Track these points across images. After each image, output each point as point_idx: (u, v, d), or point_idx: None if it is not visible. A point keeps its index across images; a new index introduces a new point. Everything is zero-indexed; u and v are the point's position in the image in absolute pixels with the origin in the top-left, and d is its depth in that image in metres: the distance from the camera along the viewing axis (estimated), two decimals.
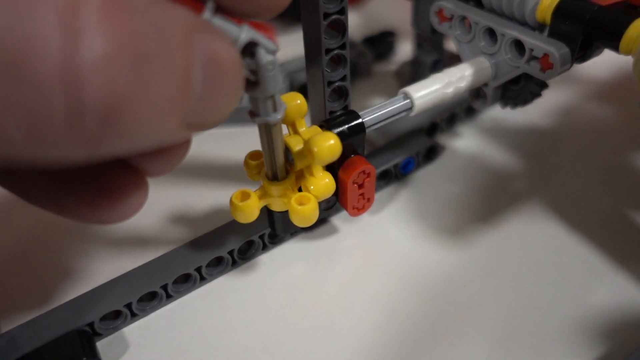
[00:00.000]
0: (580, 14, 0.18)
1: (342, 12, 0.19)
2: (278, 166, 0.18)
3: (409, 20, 0.28)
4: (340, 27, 0.19)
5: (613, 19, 0.18)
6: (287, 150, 0.18)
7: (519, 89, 0.23)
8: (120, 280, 0.20)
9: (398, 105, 0.20)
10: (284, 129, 0.18)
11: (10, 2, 0.09)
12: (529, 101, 0.23)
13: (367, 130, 0.19)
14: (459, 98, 0.27)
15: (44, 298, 0.21)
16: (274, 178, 0.18)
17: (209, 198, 0.25)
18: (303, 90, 0.21)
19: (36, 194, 0.14)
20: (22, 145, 0.09)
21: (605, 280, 0.20)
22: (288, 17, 0.37)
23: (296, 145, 0.18)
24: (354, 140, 0.19)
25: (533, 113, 0.29)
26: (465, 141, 0.28)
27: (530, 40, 0.19)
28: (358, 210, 0.20)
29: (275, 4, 0.13)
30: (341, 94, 0.21)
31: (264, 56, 0.13)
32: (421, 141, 0.26)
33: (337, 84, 0.20)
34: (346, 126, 0.19)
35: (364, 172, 0.19)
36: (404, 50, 0.35)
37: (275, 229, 0.20)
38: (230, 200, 0.18)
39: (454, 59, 0.27)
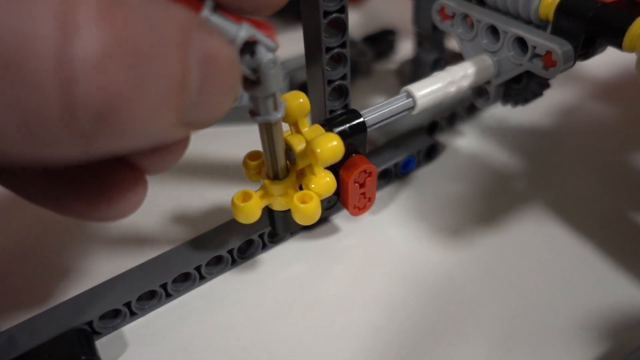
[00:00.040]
0: (583, 11, 0.18)
1: (342, 10, 0.19)
2: (279, 165, 0.18)
3: (410, 18, 0.28)
4: (340, 26, 0.19)
5: (616, 16, 0.18)
6: (288, 149, 0.18)
7: (521, 88, 0.23)
8: (120, 279, 0.20)
9: (400, 104, 0.20)
10: (284, 127, 0.18)
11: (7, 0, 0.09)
12: (530, 100, 0.23)
13: (368, 129, 0.19)
14: (460, 96, 0.27)
15: (43, 297, 0.21)
16: (275, 177, 0.18)
17: (208, 197, 0.25)
18: (303, 89, 0.21)
19: (35, 192, 0.14)
20: (17, 143, 0.09)
21: (605, 280, 0.20)
22: (288, 16, 0.37)
23: (298, 144, 0.18)
24: (355, 140, 0.19)
25: (534, 112, 0.29)
26: (465, 140, 0.28)
27: (533, 37, 0.19)
28: (359, 210, 0.20)
29: (274, 0, 0.13)
30: (341, 92, 0.21)
31: (264, 54, 0.13)
32: (422, 140, 0.26)
33: (337, 82, 0.20)
34: (347, 125, 0.19)
35: (365, 171, 0.19)
36: (405, 48, 0.35)
37: (276, 228, 0.20)
38: (232, 201, 0.18)
39: (454, 58, 0.27)
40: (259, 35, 0.13)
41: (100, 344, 0.19)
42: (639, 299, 0.20)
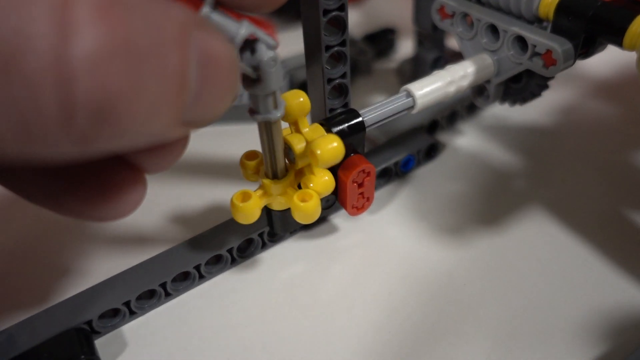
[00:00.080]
0: (584, 10, 0.18)
1: (342, 8, 0.19)
2: (278, 165, 0.18)
3: (410, 17, 0.27)
4: (340, 24, 0.19)
5: (616, 15, 0.17)
6: (288, 148, 0.18)
7: (520, 88, 0.23)
8: (119, 278, 0.20)
9: (399, 103, 0.20)
10: (283, 125, 0.17)
11: None
12: (528, 100, 0.23)
13: (368, 129, 0.19)
14: (460, 95, 0.27)
15: (42, 296, 0.21)
16: (274, 177, 0.18)
17: (208, 196, 0.25)
18: (303, 88, 0.21)
19: (34, 191, 0.14)
20: (15, 142, 0.09)
21: (605, 280, 0.20)
22: (287, 15, 0.37)
23: (298, 143, 0.18)
24: (354, 139, 0.19)
25: (534, 111, 0.29)
26: (466, 139, 0.28)
27: (533, 36, 0.19)
28: (357, 210, 0.20)
29: None
30: (341, 91, 0.21)
31: (265, 52, 0.13)
32: (422, 139, 0.26)
33: (337, 81, 0.20)
34: (346, 125, 0.19)
35: (363, 171, 0.19)
36: (405, 47, 0.35)
37: (274, 227, 0.20)
38: (231, 201, 0.18)
39: (454, 57, 0.27)
40: (260, 33, 0.13)
41: (100, 343, 0.19)
42: (639, 299, 0.20)
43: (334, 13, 0.18)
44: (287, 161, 0.18)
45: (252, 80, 0.14)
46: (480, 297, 0.20)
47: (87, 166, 0.13)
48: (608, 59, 0.24)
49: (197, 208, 0.24)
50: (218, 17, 0.12)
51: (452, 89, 0.20)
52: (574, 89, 0.31)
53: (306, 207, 0.18)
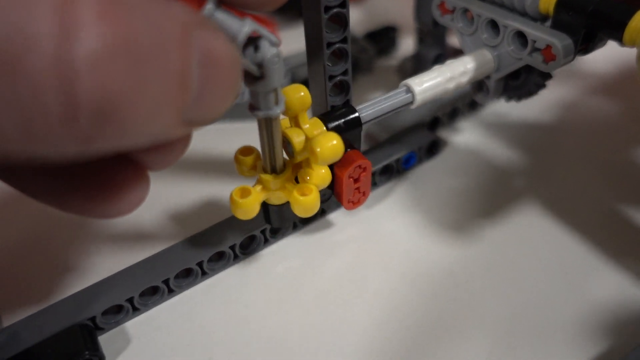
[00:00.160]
0: (584, 5, 0.18)
1: (344, 5, 0.19)
2: (277, 160, 0.18)
3: (411, 15, 0.28)
4: (341, 21, 0.19)
5: (616, 10, 0.18)
6: (286, 142, 0.18)
7: (519, 84, 0.23)
8: (122, 274, 0.20)
9: (399, 99, 0.20)
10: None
11: None
12: (534, 93, 0.23)
13: (367, 125, 0.19)
14: (460, 92, 0.27)
15: (46, 292, 0.21)
16: (272, 172, 0.18)
17: (210, 193, 0.25)
18: (304, 85, 0.21)
19: (37, 188, 0.14)
20: (16, 141, 0.09)
21: (606, 277, 0.20)
22: (288, 13, 0.37)
23: (297, 137, 0.18)
24: (350, 135, 0.19)
25: (535, 108, 0.29)
26: (467, 136, 0.28)
27: (533, 31, 0.19)
28: (353, 204, 0.20)
29: None
30: (342, 88, 0.21)
31: (269, 49, 0.13)
32: (423, 136, 0.26)
33: (338, 78, 0.20)
34: (342, 120, 0.19)
35: (359, 166, 0.19)
36: (406, 45, 0.35)
37: (271, 221, 0.20)
38: (231, 197, 0.18)
39: (456, 54, 0.27)
40: (262, 31, 0.13)
41: (103, 339, 0.19)
42: (639, 297, 0.20)
43: (335, 10, 0.18)
44: (288, 156, 0.18)
45: (254, 77, 0.14)
46: (481, 294, 0.20)
47: (90, 163, 0.13)
48: (608, 55, 0.24)
49: (199, 205, 0.24)
50: (221, 15, 0.12)
51: (452, 84, 0.20)
52: (574, 85, 0.31)
53: (306, 201, 0.18)
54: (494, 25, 0.21)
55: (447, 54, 0.29)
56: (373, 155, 0.24)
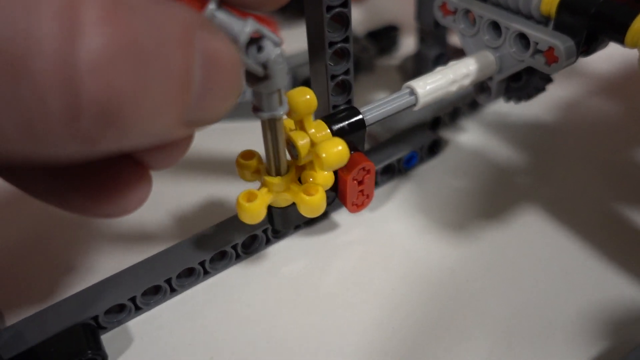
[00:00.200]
0: (586, 7, 0.18)
1: (346, 4, 0.19)
2: (282, 161, 0.18)
3: (412, 14, 0.28)
4: (343, 20, 0.19)
5: (619, 12, 0.18)
6: (290, 144, 0.18)
7: (521, 86, 0.23)
8: (125, 274, 0.20)
9: (402, 101, 0.20)
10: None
11: None
12: (533, 96, 0.23)
13: (370, 125, 0.19)
14: (462, 92, 0.27)
15: (48, 292, 0.21)
16: (276, 174, 0.18)
17: (212, 192, 0.25)
18: (306, 85, 0.21)
19: (40, 188, 0.14)
20: (17, 141, 0.09)
21: (607, 277, 0.20)
22: (290, 12, 0.37)
23: (301, 140, 0.18)
24: (354, 137, 0.19)
25: (537, 108, 0.29)
26: (468, 136, 0.28)
27: (535, 33, 0.19)
28: (357, 207, 0.20)
29: None
30: (344, 87, 0.21)
31: (272, 49, 0.13)
32: (425, 135, 0.26)
33: (340, 77, 0.20)
34: (346, 122, 0.19)
35: (363, 169, 0.19)
36: (407, 44, 0.35)
37: (275, 224, 0.20)
38: (237, 201, 0.18)
39: (456, 53, 0.27)
40: (265, 31, 0.13)
41: (106, 338, 0.19)
42: (639, 297, 0.20)
43: (337, 9, 0.19)
44: (292, 157, 0.18)
45: (257, 78, 0.14)
46: (483, 293, 0.20)
47: (92, 163, 0.13)
48: (610, 56, 0.24)
49: (201, 204, 0.24)
50: (223, 15, 0.12)
51: (454, 85, 0.20)
52: (576, 86, 0.31)
53: (312, 201, 0.18)
54: (495, 26, 0.21)
55: (448, 53, 0.29)
56: (375, 154, 0.24)
